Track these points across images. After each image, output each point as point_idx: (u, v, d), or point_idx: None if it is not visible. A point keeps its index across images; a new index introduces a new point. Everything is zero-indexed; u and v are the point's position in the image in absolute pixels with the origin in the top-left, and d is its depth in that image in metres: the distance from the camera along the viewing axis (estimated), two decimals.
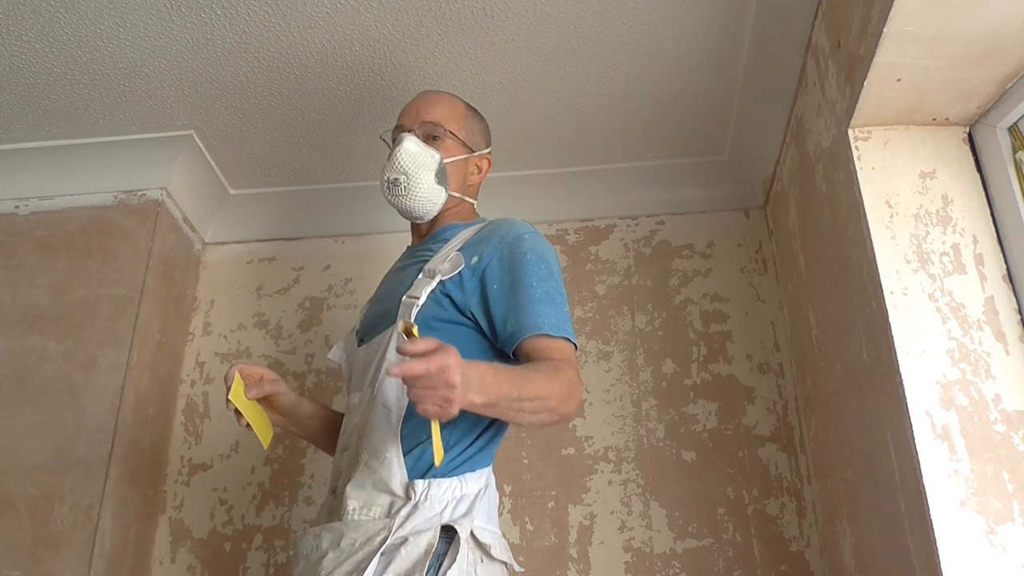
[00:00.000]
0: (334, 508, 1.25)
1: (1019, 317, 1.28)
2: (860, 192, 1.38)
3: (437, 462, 1.07)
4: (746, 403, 1.96)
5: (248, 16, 1.70)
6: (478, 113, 1.56)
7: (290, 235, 2.29)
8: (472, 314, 1.29)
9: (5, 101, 1.93)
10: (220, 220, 2.30)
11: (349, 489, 1.22)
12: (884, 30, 1.22)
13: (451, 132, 1.45)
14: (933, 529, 1.16)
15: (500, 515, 1.59)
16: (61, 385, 1.89)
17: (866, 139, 1.43)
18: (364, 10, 1.69)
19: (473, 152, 1.49)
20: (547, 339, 1.23)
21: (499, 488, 1.79)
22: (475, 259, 1.31)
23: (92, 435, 1.83)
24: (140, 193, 2.09)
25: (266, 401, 1.37)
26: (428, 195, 1.42)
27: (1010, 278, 1.31)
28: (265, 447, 1.34)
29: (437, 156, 1.43)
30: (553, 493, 1.92)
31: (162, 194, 2.08)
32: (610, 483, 1.91)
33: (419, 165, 1.41)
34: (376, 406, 1.26)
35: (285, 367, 2.12)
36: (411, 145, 1.42)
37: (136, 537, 1.88)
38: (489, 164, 1.54)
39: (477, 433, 1.26)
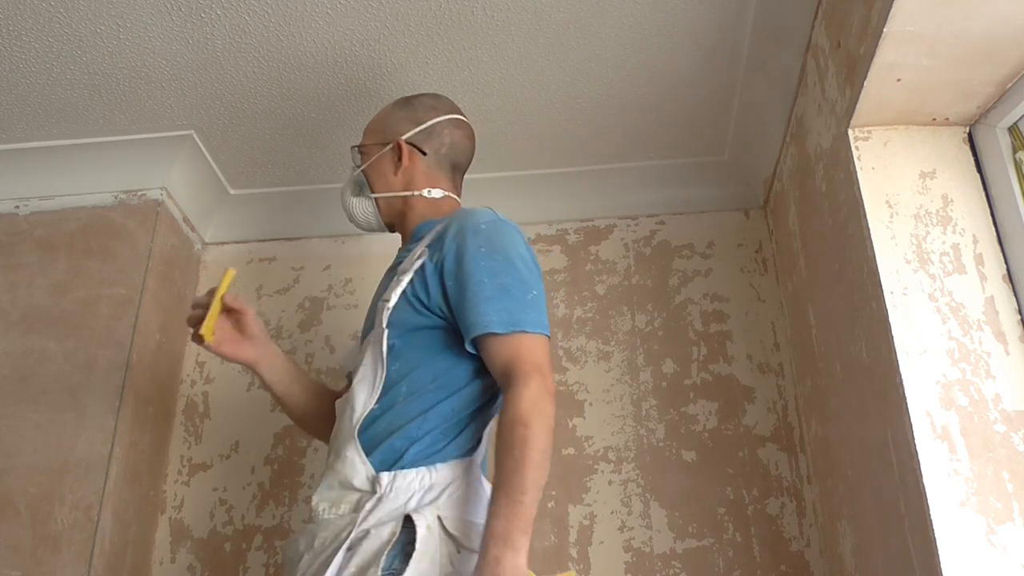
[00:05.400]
0: (311, 512, 1.26)
1: (1019, 317, 1.28)
2: (860, 192, 1.38)
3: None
4: (746, 403, 1.96)
5: (248, 16, 1.70)
6: (412, 101, 1.53)
7: (290, 235, 2.29)
8: (441, 311, 1.28)
9: (5, 101, 1.93)
10: (220, 220, 2.30)
11: (320, 491, 1.24)
12: (884, 30, 1.22)
13: (365, 144, 1.51)
14: (933, 529, 1.16)
15: None
16: (61, 385, 1.89)
17: (866, 139, 1.43)
18: (364, 10, 1.69)
19: (386, 145, 1.48)
20: (495, 338, 1.21)
21: None
22: (436, 255, 1.30)
23: (92, 435, 1.83)
24: (140, 193, 2.09)
25: (237, 320, 1.45)
26: (356, 210, 1.51)
27: (1010, 278, 1.31)
28: (208, 339, 1.37)
29: (352, 170, 1.52)
30: (553, 493, 1.91)
31: (162, 194, 2.08)
32: (610, 483, 1.91)
33: (344, 190, 1.53)
34: (346, 408, 1.27)
35: None
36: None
37: (136, 537, 1.88)
38: (410, 145, 1.46)
39: (449, 424, 1.25)
